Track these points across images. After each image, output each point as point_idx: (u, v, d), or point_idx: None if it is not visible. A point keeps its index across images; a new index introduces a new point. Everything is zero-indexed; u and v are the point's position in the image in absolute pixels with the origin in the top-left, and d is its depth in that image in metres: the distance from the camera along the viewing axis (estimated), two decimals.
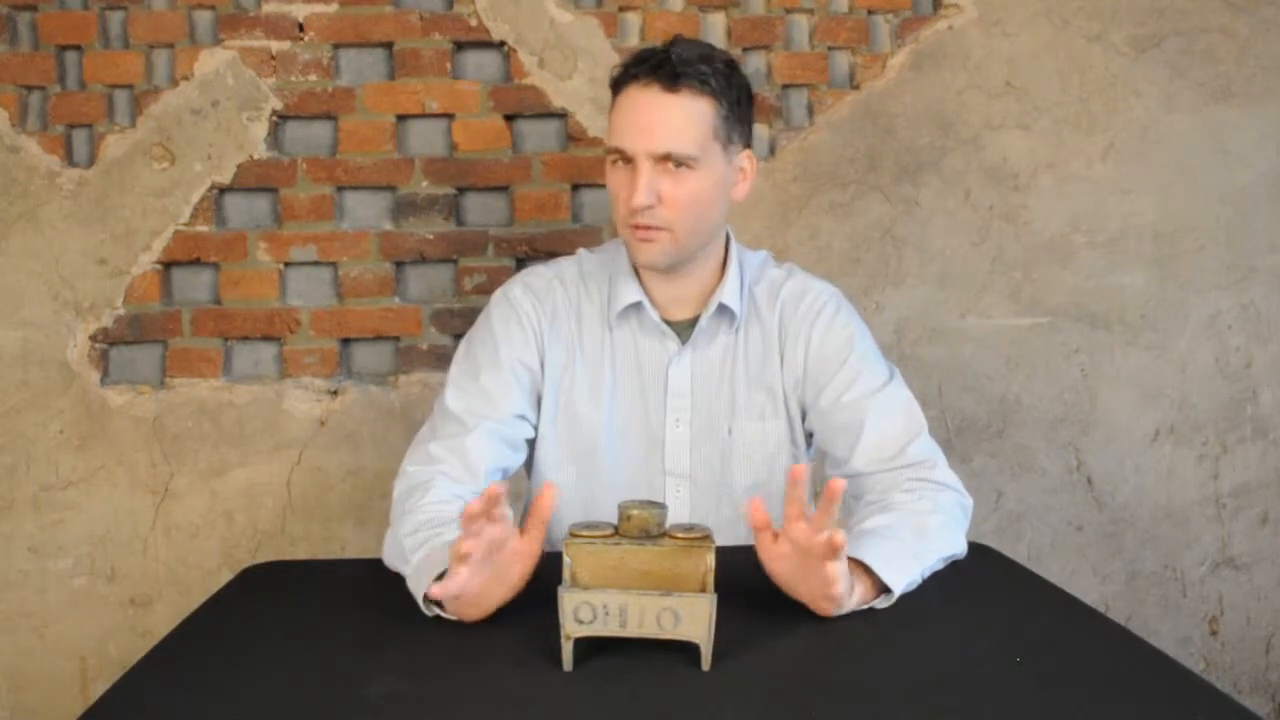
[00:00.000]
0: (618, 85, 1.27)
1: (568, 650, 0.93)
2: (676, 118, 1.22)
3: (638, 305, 1.33)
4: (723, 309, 1.33)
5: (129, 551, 1.85)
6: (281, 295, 1.85)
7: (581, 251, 1.41)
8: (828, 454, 1.35)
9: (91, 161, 1.81)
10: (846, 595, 1.03)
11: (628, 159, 1.23)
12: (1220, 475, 2.02)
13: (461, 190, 1.87)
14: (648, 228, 1.23)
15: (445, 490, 1.20)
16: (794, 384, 1.35)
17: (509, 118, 1.86)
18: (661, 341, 1.34)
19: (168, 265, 1.84)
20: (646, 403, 1.35)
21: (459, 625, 1.03)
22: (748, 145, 1.31)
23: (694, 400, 1.34)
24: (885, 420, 1.28)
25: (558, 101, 1.85)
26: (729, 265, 1.34)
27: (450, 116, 1.85)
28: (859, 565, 1.08)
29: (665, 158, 1.21)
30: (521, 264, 1.87)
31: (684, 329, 1.34)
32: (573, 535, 0.97)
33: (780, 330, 1.35)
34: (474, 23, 1.83)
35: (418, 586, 1.06)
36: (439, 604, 1.04)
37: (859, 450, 1.27)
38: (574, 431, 1.34)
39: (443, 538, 1.08)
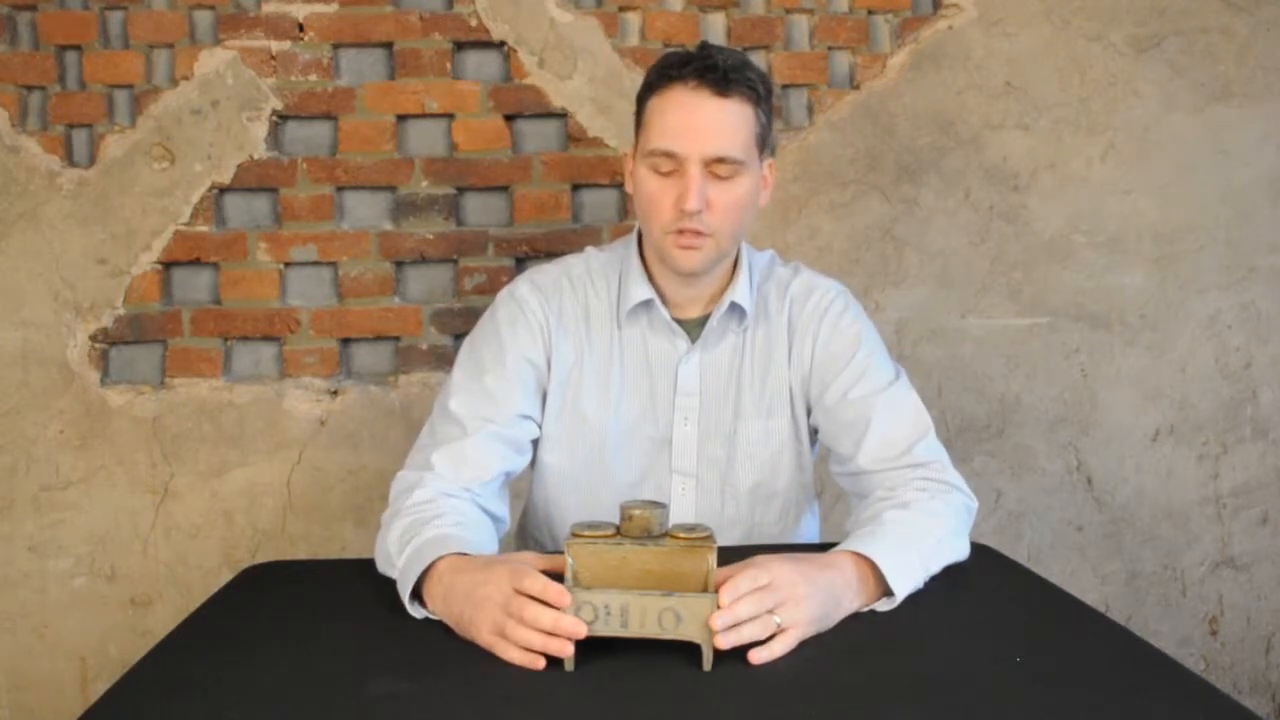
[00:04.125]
0: (655, 87, 1.24)
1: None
2: (728, 121, 1.20)
3: (648, 303, 1.32)
4: (733, 307, 1.33)
5: (129, 551, 1.85)
6: (281, 295, 1.85)
7: (589, 249, 1.41)
8: (832, 451, 1.35)
9: (91, 161, 1.81)
10: (851, 602, 1.05)
11: (672, 162, 1.21)
12: (1220, 475, 2.02)
13: (461, 190, 1.87)
14: (695, 233, 1.22)
15: (432, 489, 1.19)
16: (800, 380, 1.34)
17: (509, 118, 1.86)
18: (671, 340, 1.34)
19: (168, 265, 1.84)
20: (655, 401, 1.34)
21: None
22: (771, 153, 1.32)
23: (702, 399, 1.34)
24: (892, 419, 1.28)
25: (558, 101, 1.85)
26: (739, 264, 1.34)
27: (450, 116, 1.85)
28: (870, 564, 1.08)
29: (715, 162, 1.20)
30: (521, 264, 1.87)
31: (693, 327, 1.34)
32: (574, 535, 0.97)
33: (788, 327, 1.35)
34: (474, 23, 1.83)
35: (404, 589, 1.06)
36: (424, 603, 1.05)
37: (865, 448, 1.27)
38: (581, 430, 1.34)
39: (423, 536, 1.09)
